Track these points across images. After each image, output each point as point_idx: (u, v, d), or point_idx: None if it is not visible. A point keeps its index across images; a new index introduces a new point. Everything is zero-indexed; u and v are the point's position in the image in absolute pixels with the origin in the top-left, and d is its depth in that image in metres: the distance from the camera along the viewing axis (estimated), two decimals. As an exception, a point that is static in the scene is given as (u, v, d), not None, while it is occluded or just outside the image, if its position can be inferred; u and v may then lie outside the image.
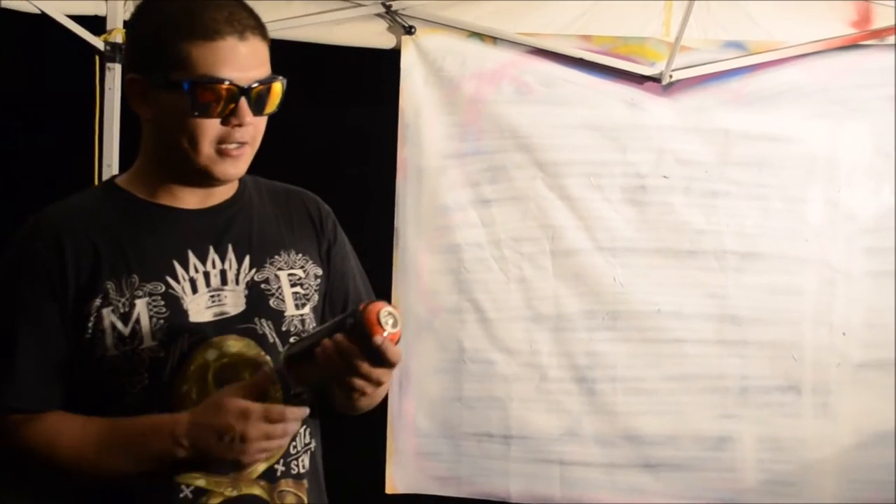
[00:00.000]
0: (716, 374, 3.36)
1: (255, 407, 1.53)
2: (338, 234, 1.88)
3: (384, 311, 1.48)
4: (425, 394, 3.42)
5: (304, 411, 1.58)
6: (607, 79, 3.38)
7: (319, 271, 1.81)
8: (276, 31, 3.22)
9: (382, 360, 1.50)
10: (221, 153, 1.63)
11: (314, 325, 1.76)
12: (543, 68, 3.38)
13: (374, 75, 3.52)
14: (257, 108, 1.62)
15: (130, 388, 1.62)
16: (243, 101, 1.60)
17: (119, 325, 1.61)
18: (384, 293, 3.30)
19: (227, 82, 1.58)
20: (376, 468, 3.43)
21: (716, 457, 3.36)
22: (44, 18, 3.04)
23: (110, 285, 1.62)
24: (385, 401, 3.35)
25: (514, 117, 3.39)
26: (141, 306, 1.63)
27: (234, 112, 1.60)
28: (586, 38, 3.38)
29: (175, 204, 1.70)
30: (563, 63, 3.38)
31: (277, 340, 1.71)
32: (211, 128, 1.60)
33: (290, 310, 1.74)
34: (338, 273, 1.85)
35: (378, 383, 1.57)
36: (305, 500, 1.75)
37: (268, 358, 1.69)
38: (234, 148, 1.63)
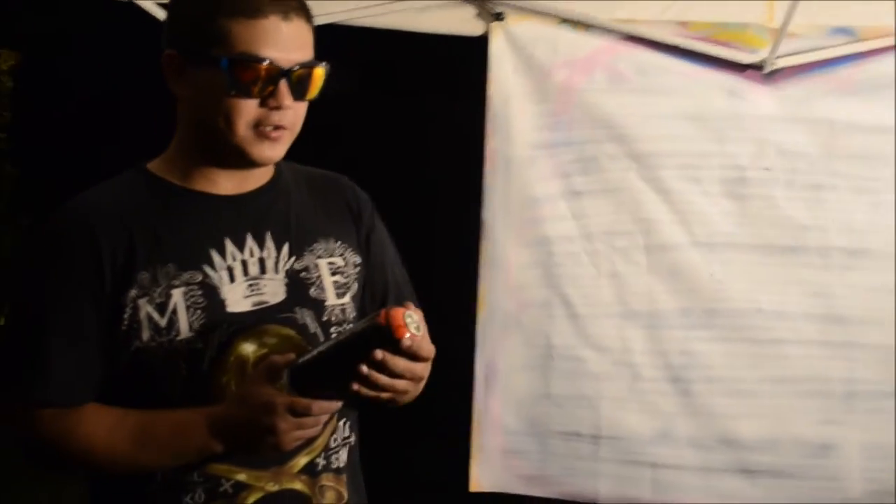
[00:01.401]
0: (819, 376, 3.23)
1: (281, 398, 1.49)
2: (375, 222, 1.83)
3: (406, 314, 1.44)
4: (512, 391, 3.33)
5: (333, 406, 1.53)
6: (706, 67, 3.26)
7: (358, 259, 1.76)
8: (360, 20, 3.22)
9: (416, 359, 1.47)
10: (259, 134, 1.58)
11: (354, 314, 1.72)
12: (638, 56, 3.28)
13: (462, 64, 3.46)
14: (298, 93, 1.57)
15: (168, 381, 1.58)
16: (283, 84, 1.55)
17: (155, 315, 1.57)
18: (471, 287, 3.24)
19: (267, 62, 1.53)
20: (460, 466, 3.36)
21: (818, 464, 3.22)
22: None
23: (146, 275, 1.58)
24: (470, 398, 3.30)
25: (607, 106, 3.28)
26: (177, 296, 1.58)
27: (273, 94, 1.55)
28: (684, 24, 3.26)
29: (211, 190, 1.66)
30: (659, 50, 3.27)
31: (319, 330, 1.67)
32: (248, 108, 1.56)
33: (330, 299, 1.69)
34: (377, 262, 1.80)
35: (420, 378, 1.53)
36: (345, 494, 1.71)
37: (309, 348, 1.62)
38: (272, 130, 1.58)
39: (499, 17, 3.26)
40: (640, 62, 3.27)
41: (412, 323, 1.44)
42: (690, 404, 3.26)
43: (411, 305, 1.46)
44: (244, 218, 1.66)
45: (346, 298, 1.72)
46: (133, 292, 1.56)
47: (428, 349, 1.48)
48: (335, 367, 1.49)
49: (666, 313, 3.27)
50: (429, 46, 3.39)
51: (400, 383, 1.48)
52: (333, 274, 1.71)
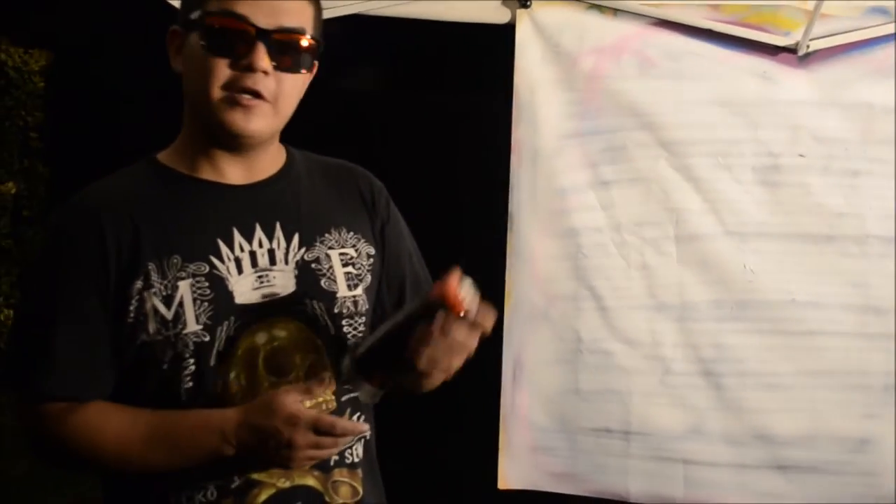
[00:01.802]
0: (857, 369, 3.11)
1: (306, 414, 1.47)
2: (391, 212, 1.80)
3: (463, 283, 1.45)
4: (540, 386, 3.26)
5: (360, 427, 1.55)
6: (737, 50, 3.16)
7: (372, 250, 1.73)
8: (385, 9, 3.18)
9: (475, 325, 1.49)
10: (230, 100, 1.52)
11: (367, 307, 1.70)
12: (668, 41, 3.19)
13: (488, 51, 3.41)
14: (279, 60, 1.52)
15: (175, 375, 1.54)
16: (260, 46, 1.50)
17: (161, 308, 1.54)
18: (498, 280, 3.18)
19: (240, 18, 1.49)
20: (488, 463, 3.29)
21: (856, 459, 3.10)
22: None
23: (151, 266, 1.55)
24: (497, 393, 3.23)
25: (636, 94, 3.19)
26: (184, 288, 1.55)
27: (247, 54, 1.50)
28: (714, 7, 3.17)
29: (218, 179, 1.62)
30: (689, 35, 3.18)
31: (329, 323, 1.63)
32: (220, 68, 1.52)
33: (342, 290, 1.66)
34: (393, 253, 1.78)
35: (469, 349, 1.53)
36: (360, 489, 1.68)
37: (320, 341, 1.62)
38: (247, 98, 1.53)
39: (525, 3, 3.20)
40: (670, 47, 3.18)
41: (466, 291, 1.45)
42: (723, 399, 3.17)
43: (455, 275, 1.45)
44: (253, 208, 1.63)
45: (359, 290, 1.68)
46: (139, 284, 1.54)
47: (488, 321, 1.49)
48: (395, 344, 1.49)
49: (697, 305, 3.18)
50: (454, 35, 3.34)
51: (455, 352, 1.49)
52: (345, 265, 1.68)
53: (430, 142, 3.54)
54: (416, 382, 1.59)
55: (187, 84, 1.58)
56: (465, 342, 1.48)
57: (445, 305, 1.44)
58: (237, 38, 1.50)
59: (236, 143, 1.60)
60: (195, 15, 1.52)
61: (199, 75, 1.53)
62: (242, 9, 1.50)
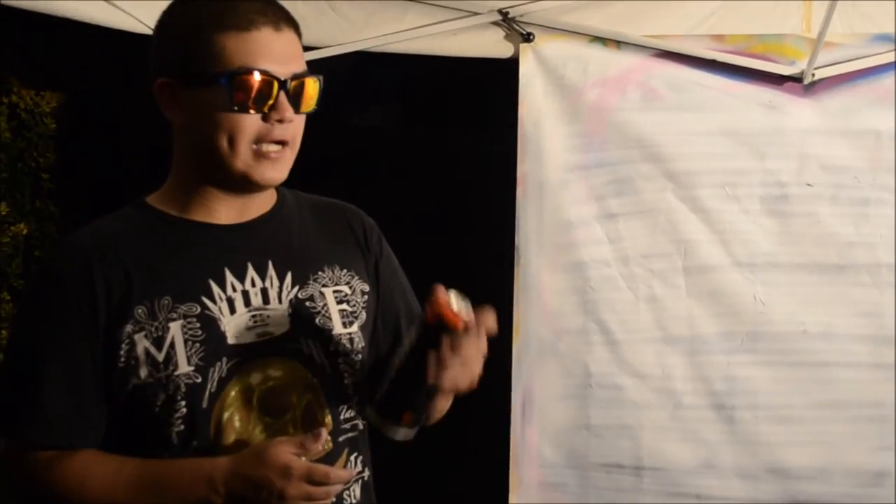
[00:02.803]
0: (871, 401, 3.08)
1: (299, 465, 1.44)
2: (384, 249, 1.79)
3: (452, 298, 1.47)
4: (550, 421, 3.23)
5: (350, 474, 1.56)
6: (742, 80, 3.16)
7: (366, 287, 1.71)
8: (390, 45, 3.19)
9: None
10: (260, 155, 1.54)
11: (363, 344, 1.68)
12: (672, 72, 3.18)
13: (492, 86, 3.39)
14: (296, 104, 1.54)
15: (167, 418, 1.52)
16: (283, 96, 1.52)
17: (153, 350, 1.52)
18: (505, 314, 3.15)
19: (266, 74, 1.50)
20: (498, 499, 3.25)
21: (871, 493, 3.07)
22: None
23: (141, 309, 1.53)
24: (507, 428, 3.20)
25: (641, 125, 3.19)
26: (175, 329, 1.53)
27: (275, 106, 1.52)
28: (718, 37, 3.17)
29: (209, 219, 1.61)
30: (694, 65, 3.18)
31: (325, 361, 1.61)
32: (250, 124, 1.52)
33: (337, 328, 1.64)
34: (387, 289, 1.76)
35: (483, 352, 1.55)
36: None
37: (315, 380, 1.60)
38: (275, 150, 1.54)
39: (528, 38, 3.20)
40: (674, 78, 3.18)
41: (455, 303, 1.47)
42: (735, 432, 3.14)
43: (439, 291, 1.47)
44: (244, 247, 1.62)
45: (354, 328, 1.67)
46: (129, 327, 1.52)
47: (489, 320, 1.52)
48: (411, 377, 1.51)
49: (707, 337, 3.16)
50: (458, 70, 3.34)
51: (473, 362, 1.52)
52: (340, 302, 1.66)
53: (434, 176, 3.53)
54: (445, 400, 1.61)
55: (196, 136, 1.56)
56: (476, 350, 1.51)
57: (445, 325, 1.45)
58: (266, 93, 1.51)
59: (253, 190, 1.60)
60: (210, 71, 1.52)
61: (221, 131, 1.52)
62: (264, 63, 1.51)
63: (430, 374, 1.49)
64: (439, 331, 1.47)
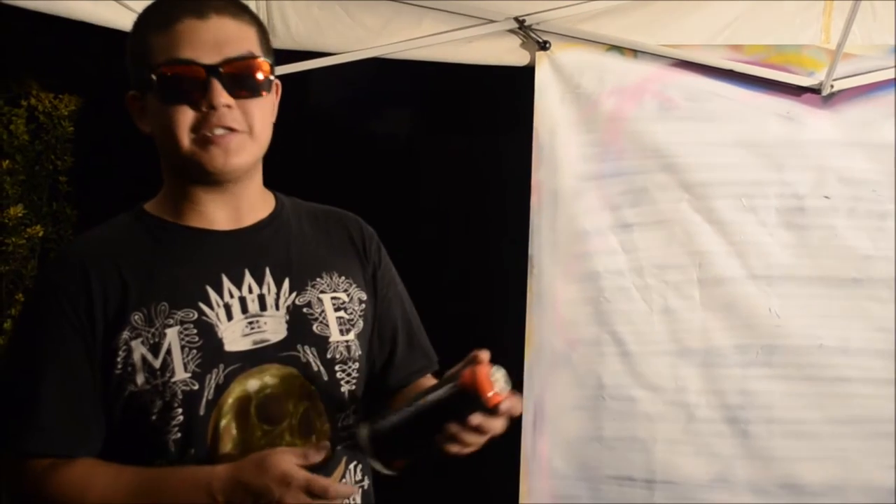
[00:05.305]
0: (887, 417, 3.04)
1: (299, 475, 1.42)
2: (382, 258, 1.78)
3: (491, 373, 1.41)
4: (562, 433, 3.20)
5: (351, 490, 1.55)
6: (760, 91, 3.12)
7: (364, 296, 1.70)
8: (406, 52, 3.17)
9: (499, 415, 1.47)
10: (205, 141, 1.52)
11: (360, 352, 1.66)
12: (689, 82, 3.15)
13: (508, 94, 3.38)
14: (234, 89, 1.52)
15: (164, 426, 1.51)
16: (215, 82, 1.50)
17: (149, 356, 1.51)
18: (518, 323, 3.13)
19: (188, 63, 1.50)
20: (510, 510, 3.23)
21: (888, 510, 3.04)
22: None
23: (138, 315, 1.52)
24: (518, 439, 3.17)
25: (658, 135, 3.15)
26: (172, 335, 1.52)
27: (205, 94, 1.50)
28: (736, 47, 3.13)
29: (206, 225, 1.61)
30: (711, 75, 3.14)
31: (322, 368, 1.60)
32: (183, 115, 1.51)
33: (334, 335, 1.63)
34: (385, 299, 1.76)
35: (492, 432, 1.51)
36: None
37: (313, 388, 1.59)
38: (220, 134, 1.52)
39: (544, 46, 3.17)
40: (691, 88, 3.15)
41: (498, 382, 1.41)
42: (749, 447, 3.10)
43: (485, 361, 1.43)
44: (241, 253, 1.61)
45: (352, 335, 1.66)
46: (126, 334, 1.52)
47: (518, 408, 1.48)
48: (421, 430, 1.47)
49: (722, 350, 3.12)
50: (474, 78, 3.32)
51: (486, 437, 1.48)
52: (337, 310, 1.65)
53: (448, 183, 3.51)
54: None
55: (159, 141, 1.57)
56: (496, 430, 1.48)
57: (478, 399, 1.40)
58: (190, 82, 1.50)
59: (220, 180, 1.58)
60: (145, 72, 1.52)
61: (165, 128, 1.53)
62: (186, 52, 1.50)
63: (441, 440, 1.46)
64: (469, 401, 1.42)
